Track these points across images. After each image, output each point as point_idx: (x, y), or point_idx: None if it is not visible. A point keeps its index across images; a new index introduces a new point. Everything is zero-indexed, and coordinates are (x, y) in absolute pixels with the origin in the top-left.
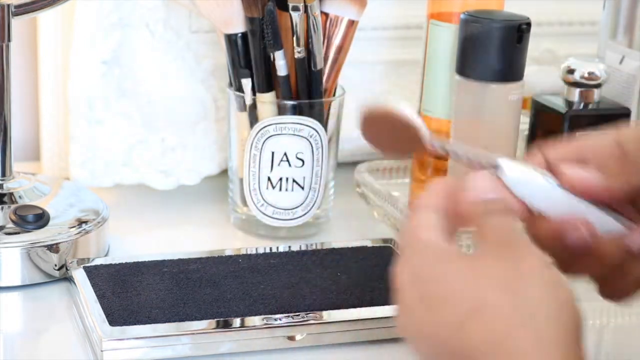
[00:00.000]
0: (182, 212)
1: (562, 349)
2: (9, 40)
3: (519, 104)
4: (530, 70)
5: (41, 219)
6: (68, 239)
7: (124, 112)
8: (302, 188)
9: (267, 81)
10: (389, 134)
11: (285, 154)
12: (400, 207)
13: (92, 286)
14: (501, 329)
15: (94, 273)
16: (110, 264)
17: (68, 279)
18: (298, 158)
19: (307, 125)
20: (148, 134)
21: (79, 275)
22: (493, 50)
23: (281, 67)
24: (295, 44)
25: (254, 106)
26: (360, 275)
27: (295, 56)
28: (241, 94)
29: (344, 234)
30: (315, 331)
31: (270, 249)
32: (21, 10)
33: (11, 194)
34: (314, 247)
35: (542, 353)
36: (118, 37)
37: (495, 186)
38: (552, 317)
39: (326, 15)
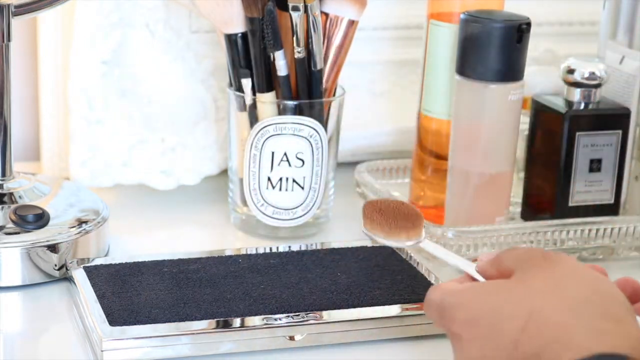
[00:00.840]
0: (182, 212)
1: (612, 334)
2: (9, 40)
3: (519, 104)
4: (530, 70)
5: (41, 219)
6: (68, 239)
7: (124, 112)
8: (302, 188)
9: (267, 81)
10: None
11: (285, 154)
12: None
13: (92, 286)
14: (552, 330)
15: (94, 273)
16: (110, 264)
17: (68, 279)
18: (298, 158)
19: (307, 125)
20: (148, 134)
21: (79, 275)
22: (493, 50)
23: (281, 67)
24: (295, 44)
25: (254, 106)
26: (360, 275)
27: (295, 56)
28: (241, 94)
29: (344, 234)
30: (315, 331)
31: (270, 249)
32: (21, 10)
33: (11, 194)
34: (314, 247)
35: (593, 342)
36: (118, 37)
37: None
38: (597, 307)
39: (326, 15)
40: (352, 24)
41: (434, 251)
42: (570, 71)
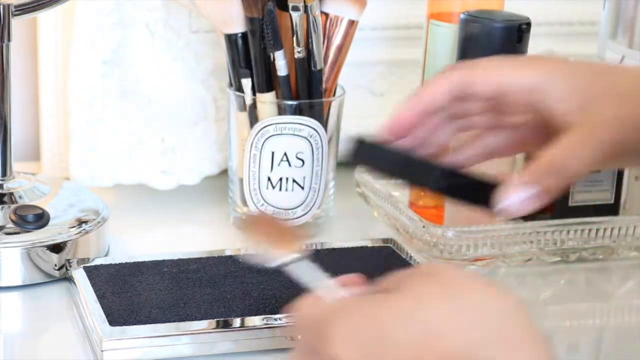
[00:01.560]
0: (182, 212)
1: (514, 337)
2: (9, 40)
3: None
4: None
5: (41, 219)
6: (68, 239)
7: (124, 112)
8: (302, 188)
9: (267, 81)
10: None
11: (285, 154)
12: (400, 207)
13: (92, 286)
14: (454, 339)
15: (94, 273)
16: (110, 264)
17: (68, 279)
18: (298, 158)
19: (307, 125)
20: (148, 134)
21: (79, 275)
22: (493, 50)
23: (281, 67)
24: (295, 44)
25: (254, 106)
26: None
27: (295, 56)
28: (241, 94)
29: (344, 234)
30: None
31: None
32: (21, 10)
33: (11, 194)
34: (314, 247)
35: (499, 346)
36: (118, 37)
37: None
38: (502, 318)
39: (326, 15)
40: (352, 24)
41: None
42: None
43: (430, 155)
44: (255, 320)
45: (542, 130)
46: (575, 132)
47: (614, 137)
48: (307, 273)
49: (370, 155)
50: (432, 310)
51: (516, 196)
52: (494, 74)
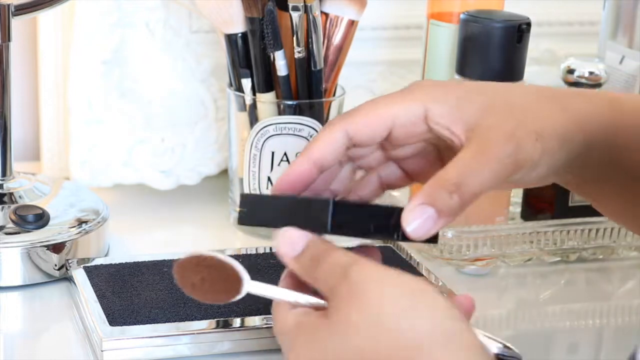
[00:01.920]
0: (182, 212)
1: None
2: (9, 40)
3: None
4: (530, 70)
5: (41, 219)
6: (68, 239)
7: (124, 112)
8: None
9: (267, 81)
10: (204, 280)
11: (285, 154)
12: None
13: (92, 286)
14: None
15: (94, 273)
16: (110, 264)
17: (68, 279)
18: None
19: (307, 125)
20: (148, 134)
21: (79, 275)
22: (493, 50)
23: (281, 67)
24: (295, 44)
25: (254, 106)
26: None
27: (295, 56)
28: (241, 94)
29: None
30: None
31: (270, 249)
32: (21, 10)
33: (11, 194)
34: None
35: None
36: (118, 37)
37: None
38: (429, 337)
39: (326, 15)
40: (352, 24)
41: (261, 292)
42: (570, 71)
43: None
44: (255, 320)
45: (437, 157)
46: (467, 149)
47: (508, 150)
48: (264, 290)
49: (257, 208)
50: (360, 341)
51: (414, 220)
52: (373, 118)
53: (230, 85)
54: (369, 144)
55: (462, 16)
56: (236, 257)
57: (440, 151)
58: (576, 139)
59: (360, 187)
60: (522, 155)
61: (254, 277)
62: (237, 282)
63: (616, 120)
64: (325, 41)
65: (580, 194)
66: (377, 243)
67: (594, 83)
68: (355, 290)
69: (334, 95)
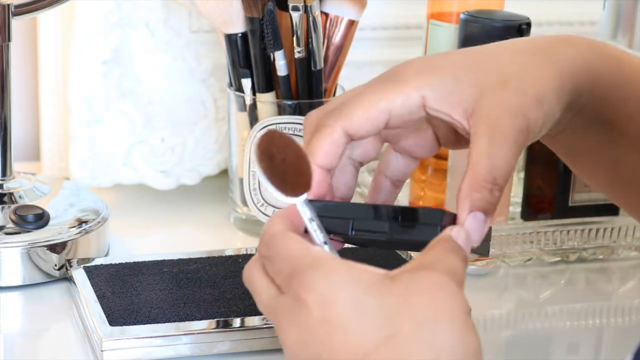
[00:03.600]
0: (182, 212)
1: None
2: (9, 40)
3: None
4: None
5: (41, 219)
6: (68, 239)
7: (124, 112)
8: None
9: (267, 81)
10: (284, 161)
11: None
12: None
13: (92, 286)
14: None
15: (94, 273)
16: (110, 264)
17: (68, 279)
18: None
19: None
20: (148, 134)
21: (79, 275)
22: None
23: (281, 67)
24: (295, 44)
25: (254, 106)
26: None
27: (295, 56)
28: (241, 94)
29: None
30: None
31: None
32: (21, 10)
33: (11, 194)
34: None
35: None
36: (118, 37)
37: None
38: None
39: (326, 15)
40: (352, 24)
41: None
42: None
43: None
44: (255, 320)
45: (433, 132)
46: (480, 139)
47: (517, 127)
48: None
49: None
50: (406, 328)
51: (472, 228)
52: (370, 112)
53: (230, 85)
54: (367, 137)
55: (462, 16)
56: (236, 257)
57: (444, 134)
58: (567, 87)
59: (376, 194)
60: (530, 125)
61: None
62: (307, 185)
63: (596, 64)
64: (325, 41)
65: (566, 155)
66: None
67: None
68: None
69: (334, 95)
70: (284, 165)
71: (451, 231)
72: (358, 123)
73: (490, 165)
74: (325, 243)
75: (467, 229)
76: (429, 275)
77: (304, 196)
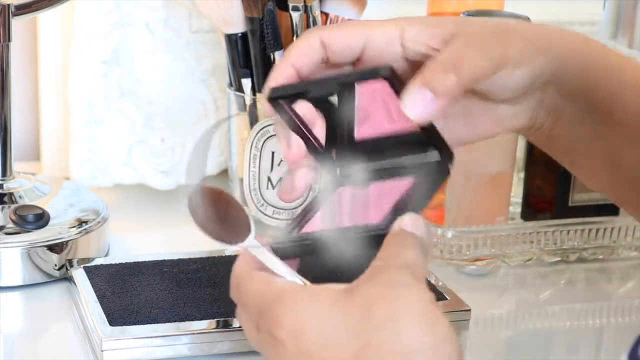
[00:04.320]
0: (182, 212)
1: None
2: (9, 40)
3: None
4: None
5: (41, 219)
6: (68, 239)
7: (124, 112)
8: None
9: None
10: (216, 217)
11: None
12: None
13: (92, 286)
14: None
15: (94, 273)
16: (110, 264)
17: (68, 279)
18: None
19: None
20: (148, 134)
21: (79, 275)
22: None
23: None
24: None
25: (254, 106)
26: (360, 275)
27: None
28: (241, 94)
29: None
30: None
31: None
32: (21, 10)
33: (11, 194)
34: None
35: None
36: (118, 37)
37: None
38: (430, 355)
39: (326, 15)
40: None
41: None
42: None
43: None
44: None
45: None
46: (456, 41)
47: (494, 40)
48: (262, 256)
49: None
50: (376, 338)
51: (412, 102)
52: (349, 31)
53: (230, 85)
54: (343, 58)
55: (462, 16)
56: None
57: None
58: (554, 50)
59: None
60: (508, 46)
61: None
62: (245, 229)
63: (585, 48)
64: None
65: (564, 154)
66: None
67: None
68: (395, 286)
69: None
70: (220, 216)
71: (401, 223)
72: (335, 36)
73: (455, 54)
74: (283, 265)
75: (406, 101)
76: (383, 276)
77: (249, 237)
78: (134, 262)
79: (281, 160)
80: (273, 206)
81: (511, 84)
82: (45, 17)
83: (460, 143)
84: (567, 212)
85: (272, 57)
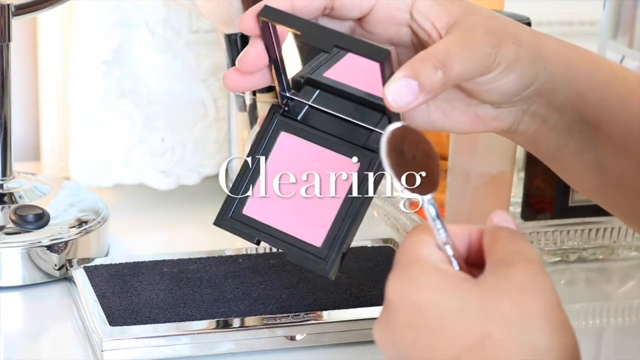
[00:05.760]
0: (182, 212)
1: None
2: (9, 40)
3: None
4: None
5: (41, 219)
6: (68, 239)
7: (124, 112)
8: None
9: None
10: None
11: None
12: (400, 207)
13: (92, 286)
14: None
15: (94, 273)
16: (110, 264)
17: (68, 279)
18: None
19: None
20: (148, 134)
21: (79, 275)
22: None
23: None
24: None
25: (254, 106)
26: (360, 275)
27: None
28: (241, 94)
29: None
30: (315, 331)
31: (270, 249)
32: (21, 10)
33: (11, 194)
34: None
35: None
36: (118, 37)
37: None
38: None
39: None
40: None
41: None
42: None
43: None
44: (255, 320)
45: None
46: (451, 35)
47: (489, 42)
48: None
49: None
50: (497, 332)
51: (396, 90)
52: None
53: None
54: (349, 12)
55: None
56: (236, 257)
57: (412, 50)
58: (547, 61)
59: None
60: (500, 50)
61: (253, 277)
62: (434, 184)
63: (575, 57)
64: None
65: (551, 159)
66: (379, 243)
67: None
68: (530, 283)
69: None
70: (414, 162)
71: (493, 219)
72: None
73: (447, 50)
74: (446, 244)
75: (391, 87)
76: (515, 271)
77: (430, 195)
78: (134, 262)
79: None
80: None
81: (498, 89)
82: (45, 17)
83: (430, 128)
84: (567, 212)
85: None
